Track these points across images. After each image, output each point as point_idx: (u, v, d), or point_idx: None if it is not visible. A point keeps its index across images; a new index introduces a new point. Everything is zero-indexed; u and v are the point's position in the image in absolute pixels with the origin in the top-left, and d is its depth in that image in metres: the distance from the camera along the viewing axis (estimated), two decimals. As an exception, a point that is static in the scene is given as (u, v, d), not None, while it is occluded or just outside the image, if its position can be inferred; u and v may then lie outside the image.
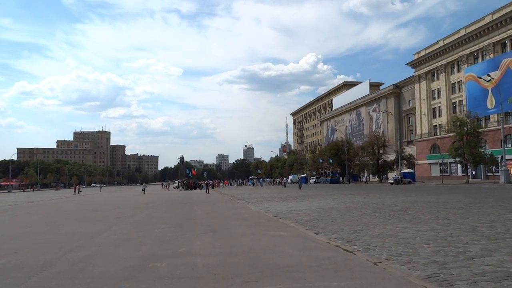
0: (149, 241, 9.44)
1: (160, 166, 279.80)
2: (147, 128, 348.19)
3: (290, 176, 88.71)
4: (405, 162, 64.43)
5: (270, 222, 12.38)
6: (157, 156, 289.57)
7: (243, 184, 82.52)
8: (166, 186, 69.09)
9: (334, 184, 62.73)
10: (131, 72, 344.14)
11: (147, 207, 21.64)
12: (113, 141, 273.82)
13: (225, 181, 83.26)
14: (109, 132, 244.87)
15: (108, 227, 12.17)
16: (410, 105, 74.07)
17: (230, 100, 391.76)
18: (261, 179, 77.78)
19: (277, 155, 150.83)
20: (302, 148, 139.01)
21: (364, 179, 79.17)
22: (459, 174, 56.62)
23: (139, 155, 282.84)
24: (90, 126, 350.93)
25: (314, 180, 78.15)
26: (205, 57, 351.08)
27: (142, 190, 48.19)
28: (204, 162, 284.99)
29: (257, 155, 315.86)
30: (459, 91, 60.32)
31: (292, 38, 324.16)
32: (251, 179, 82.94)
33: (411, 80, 72.88)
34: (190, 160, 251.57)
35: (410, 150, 68.96)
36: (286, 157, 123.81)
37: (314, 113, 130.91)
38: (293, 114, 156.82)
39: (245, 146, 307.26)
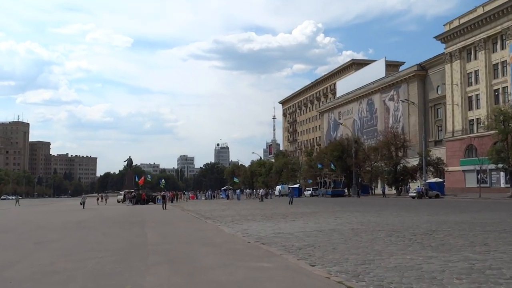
0: (80, 275, 9.39)
1: (100, 172, 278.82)
2: (81, 119, 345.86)
3: (278, 187, 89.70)
4: (431, 168, 65.75)
5: (249, 249, 12.57)
6: (95, 158, 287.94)
7: (214, 197, 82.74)
8: (103, 199, 68.58)
9: (337, 198, 63.95)
10: (60, 42, 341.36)
11: (80, 227, 21.62)
12: (33, 136, 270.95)
13: (191, 195, 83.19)
14: (28, 124, 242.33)
15: (24, 256, 12.13)
16: (439, 92, 75.51)
17: (198, 83, 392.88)
18: (238, 191, 78.07)
19: (261, 158, 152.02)
20: (295, 149, 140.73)
21: (377, 191, 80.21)
22: (502, 185, 57.95)
23: (69, 155, 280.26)
24: (1, 114, 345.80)
25: (310, 192, 79.55)
26: (163, 23, 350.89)
27: (81, 203, 48.71)
28: (161, 167, 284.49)
29: (233, 157, 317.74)
30: (502, 75, 61.79)
31: (282, 0, 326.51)
32: (225, 190, 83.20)
33: (440, 59, 74.33)
34: (142, 164, 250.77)
35: (438, 152, 70.34)
36: (273, 160, 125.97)
37: (312, 102, 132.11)
38: (282, 103, 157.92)
39: (217, 145, 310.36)
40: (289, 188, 53.43)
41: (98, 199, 71.80)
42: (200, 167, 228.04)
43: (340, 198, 65.14)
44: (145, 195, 59.05)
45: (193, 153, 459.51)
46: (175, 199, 66.58)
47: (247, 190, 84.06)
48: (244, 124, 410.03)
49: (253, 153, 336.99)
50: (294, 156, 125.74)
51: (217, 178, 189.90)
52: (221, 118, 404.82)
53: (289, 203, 43.32)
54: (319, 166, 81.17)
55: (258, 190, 75.35)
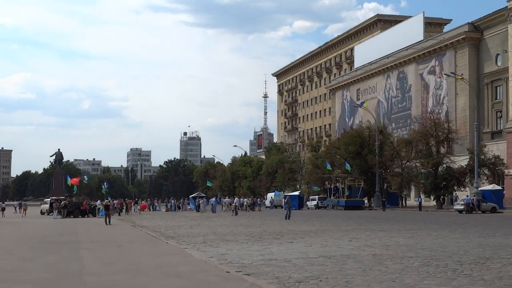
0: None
1: (16, 171, 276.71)
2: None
3: (271, 195, 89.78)
4: (485, 171, 66.16)
5: (228, 282, 12.61)
6: (9, 151, 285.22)
7: (179, 208, 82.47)
8: (21, 209, 68.94)
9: (353, 211, 64.07)
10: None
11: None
12: None
13: (144, 204, 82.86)
14: None
15: None
16: (499, 64, 76.04)
17: (157, 45, 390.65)
18: (213, 199, 77.81)
19: (246, 154, 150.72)
20: (295, 141, 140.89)
21: (410, 202, 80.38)
22: None
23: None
24: None
25: (315, 202, 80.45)
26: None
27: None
28: (104, 164, 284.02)
29: (206, 152, 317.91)
30: None
31: None
32: (195, 198, 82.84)
33: (501, 17, 74.63)
34: (76, 160, 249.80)
35: (496, 149, 70.91)
36: (264, 157, 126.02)
37: (319, 75, 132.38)
38: (277, 76, 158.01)
39: (184, 135, 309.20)
40: (286, 197, 53.50)
41: (17, 209, 71.16)
42: (160, 166, 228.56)
43: (358, 211, 65.28)
44: (86, 205, 59.18)
45: (150, 145, 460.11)
46: (124, 210, 66.45)
47: (226, 199, 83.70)
48: (223, 106, 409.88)
49: (235, 146, 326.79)
50: (293, 152, 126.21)
51: (183, 181, 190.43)
52: (190, 96, 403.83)
53: (286, 217, 43.34)
54: (328, 166, 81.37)
55: (234, 199, 75.18)
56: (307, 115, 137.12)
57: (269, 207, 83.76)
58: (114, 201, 65.52)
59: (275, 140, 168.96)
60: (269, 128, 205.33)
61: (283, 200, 51.90)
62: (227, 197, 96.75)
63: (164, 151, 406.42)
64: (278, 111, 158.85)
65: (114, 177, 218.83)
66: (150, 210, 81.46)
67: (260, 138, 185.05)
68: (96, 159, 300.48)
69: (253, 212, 67.67)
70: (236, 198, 75.24)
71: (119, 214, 60.65)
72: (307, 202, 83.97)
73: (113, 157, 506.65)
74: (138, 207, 73.49)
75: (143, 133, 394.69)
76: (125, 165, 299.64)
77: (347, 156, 77.87)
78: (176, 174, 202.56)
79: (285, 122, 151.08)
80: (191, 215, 59.68)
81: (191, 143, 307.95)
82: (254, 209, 75.07)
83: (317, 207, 78.76)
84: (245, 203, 74.24)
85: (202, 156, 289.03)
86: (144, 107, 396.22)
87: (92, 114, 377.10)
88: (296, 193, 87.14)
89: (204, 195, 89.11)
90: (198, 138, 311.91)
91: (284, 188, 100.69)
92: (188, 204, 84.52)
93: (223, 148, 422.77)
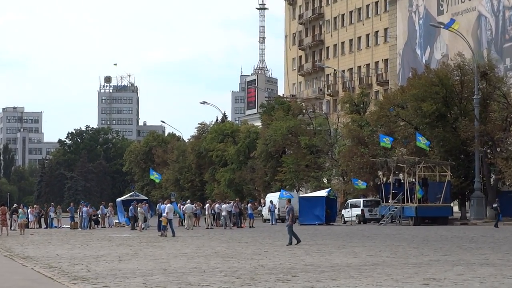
0: None
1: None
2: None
3: (272, 197, 70.77)
4: None
5: None
6: None
7: (97, 222, 65.85)
8: None
9: (432, 229, 49.82)
10: None
11: None
12: None
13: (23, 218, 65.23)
14: None
15: None
16: None
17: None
18: (170, 205, 57.93)
19: (225, 118, 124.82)
20: (318, 94, 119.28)
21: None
22: None
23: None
24: None
25: (358, 210, 64.55)
26: None
27: None
28: None
29: (149, 114, 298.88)
30: None
31: None
32: (128, 203, 64.68)
33: None
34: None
35: None
36: (259, 124, 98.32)
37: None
38: None
39: (106, 81, 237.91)
40: (290, 200, 38.23)
41: None
42: (59, 142, 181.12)
43: (441, 227, 50.98)
44: None
45: (41, 103, 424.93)
46: None
47: (187, 205, 61.50)
48: (180, 28, 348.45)
49: (203, 103, 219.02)
50: (315, 114, 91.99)
51: (104, 170, 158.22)
52: (117, 10, 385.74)
53: (289, 241, 32.13)
54: (384, 141, 62.69)
55: (205, 205, 62.15)
56: (342, 43, 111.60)
57: (268, 220, 67.12)
58: None
59: (280, 91, 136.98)
60: (270, 70, 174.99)
61: (287, 206, 35.33)
62: (188, 201, 71.02)
63: (67, 113, 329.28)
64: (286, 37, 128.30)
65: None
66: (39, 226, 66.09)
67: (253, 88, 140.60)
68: None
69: (239, 230, 53.76)
70: (224, 204, 59.14)
71: None
72: (343, 211, 67.56)
73: None
74: (19, 220, 55.37)
75: (28, 79, 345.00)
76: None
77: (420, 123, 59.83)
78: (90, 157, 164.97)
79: (300, 57, 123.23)
80: (120, 235, 46.78)
81: (118, 97, 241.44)
82: (241, 223, 58.88)
83: (361, 219, 62.47)
84: (223, 213, 57.35)
85: (140, 123, 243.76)
86: (30, 28, 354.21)
87: None
88: (322, 192, 65.44)
89: (146, 198, 70.25)
90: (133, 88, 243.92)
91: (299, 184, 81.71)
92: (115, 214, 70.46)
93: (180, 107, 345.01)
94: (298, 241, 32.44)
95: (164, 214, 46.54)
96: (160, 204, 55.93)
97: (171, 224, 45.62)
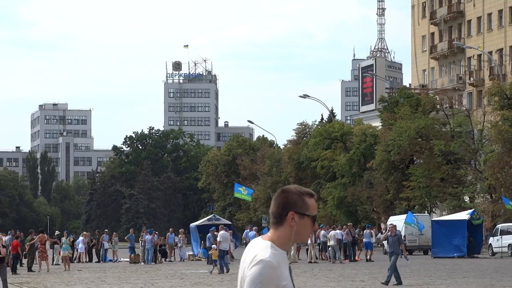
0: None
1: None
2: None
3: (395, 220, 69.67)
4: None
5: None
6: None
7: (164, 254, 67.09)
8: None
9: None
10: None
11: None
12: None
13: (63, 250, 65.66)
14: None
15: None
16: None
17: None
18: (251, 232, 62.57)
19: (332, 115, 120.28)
20: (458, 82, 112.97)
21: None
22: None
23: None
24: None
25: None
26: None
27: None
28: None
29: (230, 111, 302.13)
30: None
31: None
32: (204, 228, 66.29)
33: None
34: None
35: None
36: (378, 124, 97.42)
37: None
38: None
39: (175, 68, 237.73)
40: (393, 229, 38.80)
41: None
42: (114, 149, 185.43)
43: None
44: None
45: (88, 100, 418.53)
46: (27, 260, 53.28)
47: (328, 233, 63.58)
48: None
49: (304, 96, 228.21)
50: (453, 109, 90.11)
51: (174, 187, 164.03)
52: None
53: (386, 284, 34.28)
54: None
55: (319, 232, 61.93)
56: (488, 15, 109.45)
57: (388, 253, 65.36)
58: (3, 239, 51.10)
59: (406, 80, 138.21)
60: (392, 51, 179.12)
61: (392, 234, 35.36)
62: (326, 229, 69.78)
63: (124, 111, 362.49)
64: (413, 8, 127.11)
65: (0, 175, 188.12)
66: (89, 259, 67.68)
67: (369, 77, 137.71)
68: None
69: (352, 264, 55.53)
70: (342, 231, 59.81)
71: (14, 271, 48.20)
72: (491, 239, 66.94)
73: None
74: (64, 252, 55.31)
75: (73, 67, 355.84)
76: (27, 147, 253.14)
77: None
78: (155, 170, 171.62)
79: (432, 35, 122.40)
80: (195, 272, 48.01)
81: (191, 90, 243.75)
82: (355, 255, 60.64)
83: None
84: (331, 242, 57.85)
85: (220, 124, 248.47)
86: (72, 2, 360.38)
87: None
88: (462, 215, 65.71)
89: (229, 223, 70.28)
90: (210, 78, 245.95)
91: (432, 204, 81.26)
92: (189, 244, 71.55)
93: (272, 102, 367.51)
94: (399, 282, 34.10)
95: (213, 246, 48.05)
96: (247, 230, 57.53)
97: (223, 257, 46.52)
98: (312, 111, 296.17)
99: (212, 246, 49.32)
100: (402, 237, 65.03)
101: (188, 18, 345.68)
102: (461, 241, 60.49)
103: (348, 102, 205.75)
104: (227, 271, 43.60)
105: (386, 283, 33.73)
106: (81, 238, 68.29)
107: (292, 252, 57.35)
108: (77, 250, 65.15)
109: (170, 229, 73.13)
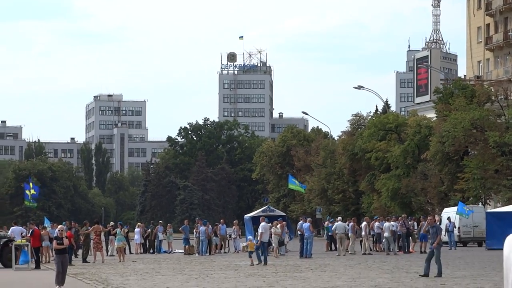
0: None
1: None
2: None
3: (450, 214, 68.99)
4: None
5: None
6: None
7: (220, 246, 67.32)
8: None
9: None
10: None
11: None
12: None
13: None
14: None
15: None
16: None
17: None
18: (305, 224, 58.38)
19: (387, 106, 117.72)
20: (511, 76, 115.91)
21: None
22: None
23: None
24: None
25: None
26: None
27: None
28: (24, 135, 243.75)
29: (285, 103, 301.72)
30: None
31: None
32: (258, 219, 62.18)
33: None
34: None
35: None
36: (433, 115, 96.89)
37: None
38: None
39: (230, 60, 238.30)
40: (432, 221, 38.81)
41: None
42: (169, 140, 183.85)
43: None
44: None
45: (142, 91, 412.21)
46: (82, 250, 53.65)
47: (338, 222, 62.34)
48: None
49: (358, 88, 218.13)
50: (508, 101, 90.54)
51: (228, 178, 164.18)
52: None
53: (425, 272, 33.97)
54: None
55: (374, 224, 61.74)
56: None
57: (446, 243, 61.98)
58: (60, 231, 50.29)
59: (461, 72, 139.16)
60: (447, 43, 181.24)
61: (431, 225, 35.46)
62: (339, 218, 70.45)
63: (178, 102, 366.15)
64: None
65: (55, 166, 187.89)
66: (144, 251, 67.85)
67: (424, 68, 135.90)
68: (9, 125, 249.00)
69: (407, 256, 55.23)
70: (366, 222, 60.13)
71: (69, 262, 46.33)
72: None
73: (50, 119, 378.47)
74: (118, 243, 55.91)
75: (127, 58, 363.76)
76: (82, 138, 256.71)
77: None
78: (209, 161, 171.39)
79: (488, 26, 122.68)
80: (249, 263, 45.73)
81: (246, 81, 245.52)
82: (409, 247, 60.56)
83: None
84: (386, 233, 57.85)
85: (275, 115, 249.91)
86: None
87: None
88: None
89: (283, 214, 70.80)
90: (265, 69, 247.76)
91: (487, 195, 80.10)
92: (243, 235, 71.34)
93: (326, 93, 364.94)
94: (439, 273, 33.39)
95: (250, 237, 48.62)
96: (301, 222, 57.11)
97: (264, 249, 46.50)
98: (366, 102, 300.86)
99: (249, 237, 49.84)
100: (456, 228, 65.79)
101: (243, 10, 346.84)
102: None
103: (403, 94, 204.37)
104: (265, 264, 43.60)
105: (425, 274, 33.46)
106: (137, 229, 68.88)
107: (350, 243, 57.94)
108: (132, 241, 65.31)
109: (221, 220, 73.54)
